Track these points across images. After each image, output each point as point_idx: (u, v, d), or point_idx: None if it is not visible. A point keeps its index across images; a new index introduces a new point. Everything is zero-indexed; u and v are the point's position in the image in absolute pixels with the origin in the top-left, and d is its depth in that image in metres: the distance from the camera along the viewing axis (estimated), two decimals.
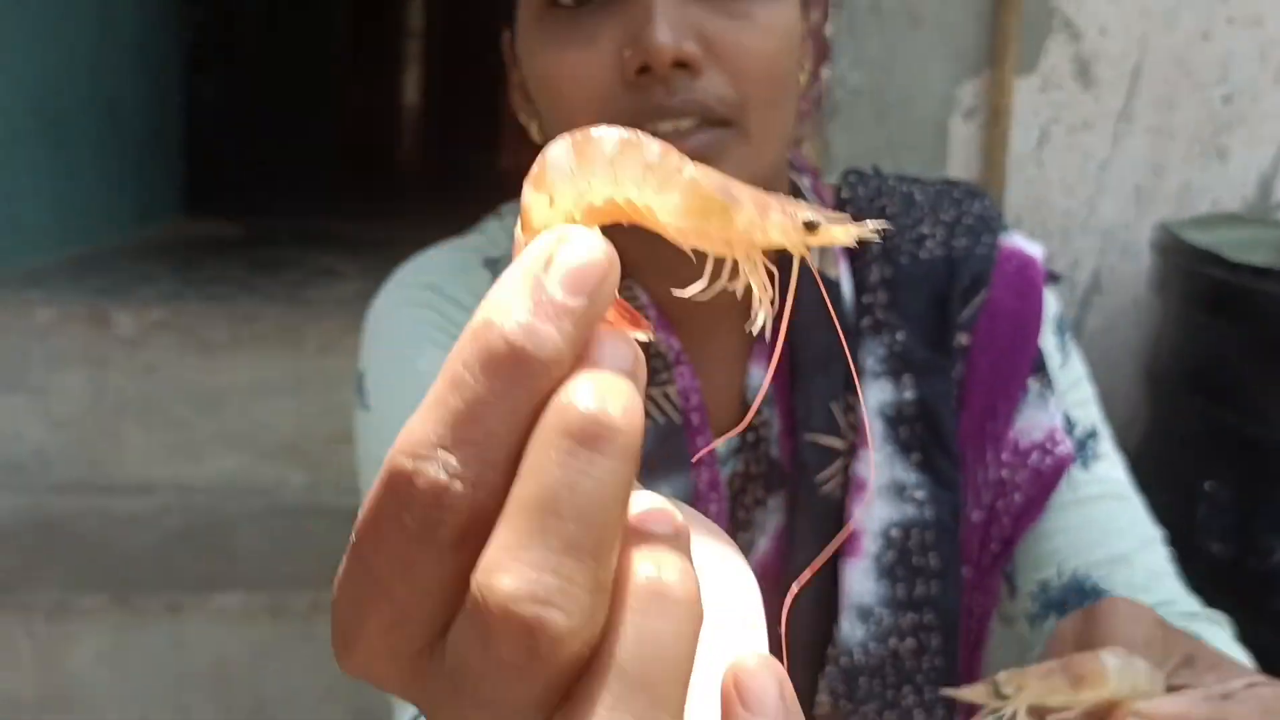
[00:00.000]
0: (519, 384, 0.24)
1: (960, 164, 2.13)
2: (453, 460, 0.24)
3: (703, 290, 0.31)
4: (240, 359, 2.05)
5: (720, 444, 0.76)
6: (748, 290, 0.75)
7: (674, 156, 0.29)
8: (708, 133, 0.64)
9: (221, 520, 1.94)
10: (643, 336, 0.28)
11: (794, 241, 0.31)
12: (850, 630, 0.74)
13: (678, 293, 0.30)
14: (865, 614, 0.74)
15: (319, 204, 4.69)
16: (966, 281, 0.77)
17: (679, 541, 0.25)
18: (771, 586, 0.76)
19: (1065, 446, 0.76)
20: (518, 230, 0.29)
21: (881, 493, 0.75)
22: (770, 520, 0.76)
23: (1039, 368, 0.77)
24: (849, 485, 0.75)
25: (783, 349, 0.75)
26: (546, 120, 0.71)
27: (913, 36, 2.10)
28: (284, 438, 2.07)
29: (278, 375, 2.07)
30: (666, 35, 0.61)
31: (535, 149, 0.71)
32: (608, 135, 0.29)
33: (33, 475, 2.00)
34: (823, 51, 2.06)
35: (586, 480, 0.23)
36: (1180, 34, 2.19)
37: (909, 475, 0.75)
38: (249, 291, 2.33)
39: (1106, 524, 0.75)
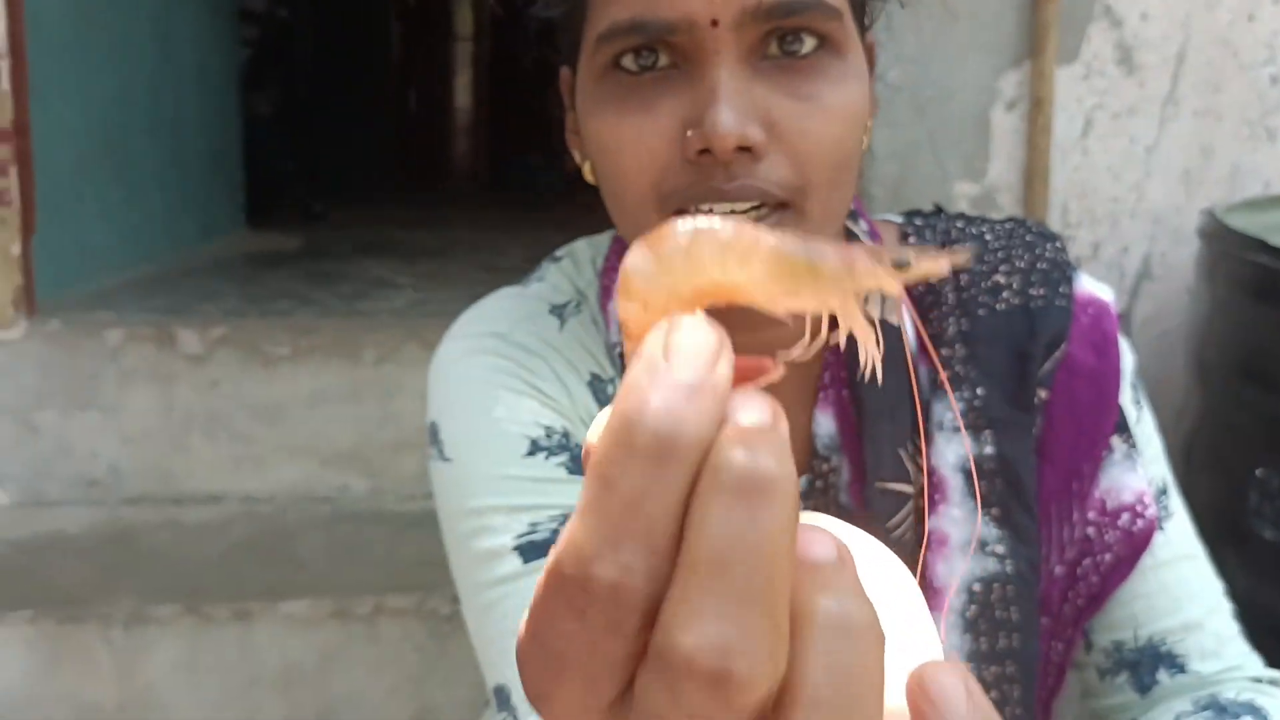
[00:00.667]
0: (670, 469, 0.25)
1: (1004, 155, 2.13)
2: (622, 558, 0.25)
3: (805, 350, 0.32)
4: (301, 371, 2.12)
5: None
6: (804, 335, 0.76)
7: (747, 231, 0.30)
8: (765, 217, 0.63)
9: (286, 528, 2.00)
10: (774, 376, 0.30)
11: (888, 283, 0.31)
12: None
13: (783, 355, 0.31)
14: None
15: (374, 211, 4.78)
16: (1046, 336, 0.76)
17: (845, 566, 0.26)
18: None
19: (1154, 510, 0.77)
20: (626, 343, 0.31)
21: (961, 548, 0.75)
22: None
23: (1122, 427, 0.77)
24: (923, 533, 0.75)
25: (849, 397, 0.75)
26: (601, 179, 0.70)
27: (950, 30, 2.10)
28: (344, 446, 2.13)
29: (337, 386, 2.13)
30: (731, 121, 0.60)
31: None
32: (679, 229, 0.30)
33: (107, 489, 2.08)
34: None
35: (752, 531, 0.24)
36: (1224, 15, 2.17)
37: (989, 530, 0.75)
38: (307, 305, 2.40)
39: (1179, 589, 0.77)
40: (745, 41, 0.62)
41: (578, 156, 0.75)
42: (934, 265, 0.32)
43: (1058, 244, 0.80)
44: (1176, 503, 0.80)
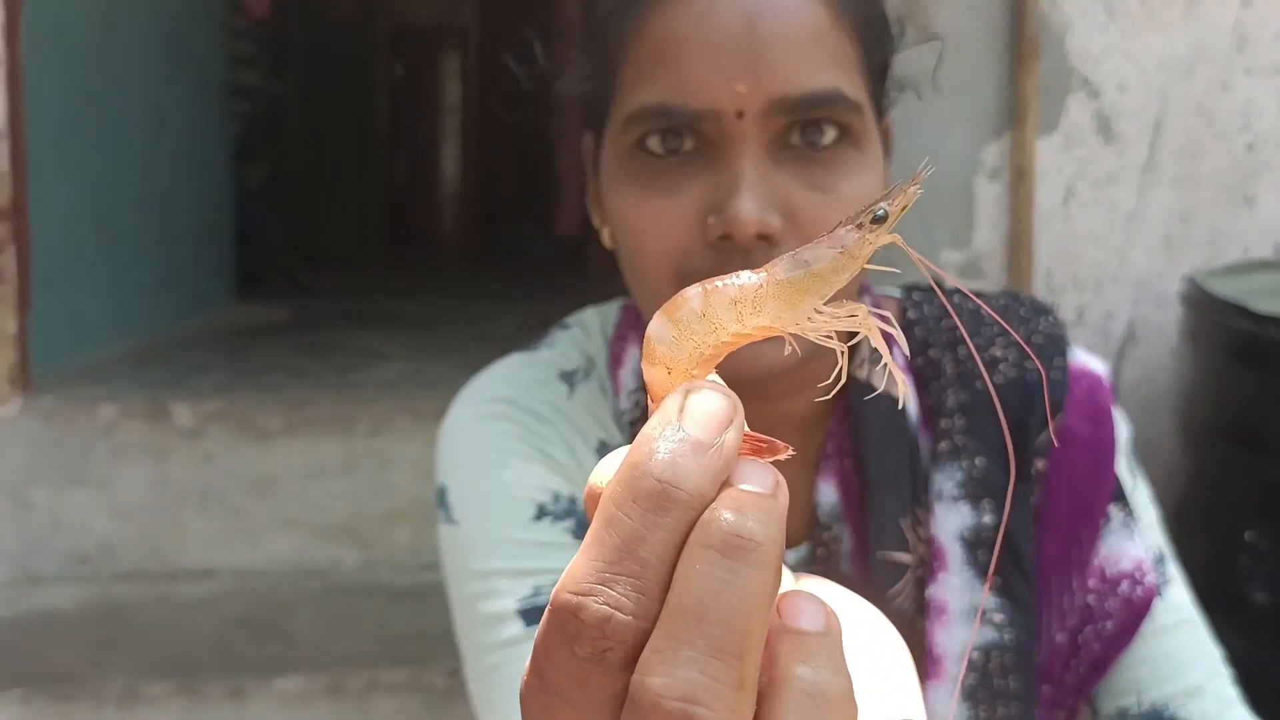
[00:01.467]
0: (667, 516, 0.27)
1: (989, 223, 2.17)
2: (613, 593, 0.27)
3: (795, 356, 0.37)
4: (294, 444, 2.12)
5: (789, 555, 0.79)
6: (813, 409, 0.76)
7: (747, 278, 0.33)
8: None
9: (280, 602, 1.99)
10: (783, 456, 0.32)
11: (883, 238, 0.34)
12: None
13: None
14: None
15: (363, 282, 4.80)
16: (1043, 407, 0.77)
17: (830, 639, 0.28)
18: None
19: (1153, 577, 0.77)
20: (651, 406, 0.33)
21: (961, 616, 0.75)
22: None
23: (1119, 495, 0.78)
24: (923, 602, 0.76)
25: (852, 467, 0.76)
26: (623, 253, 0.72)
27: (933, 102, 2.14)
28: (337, 519, 2.12)
29: (330, 458, 2.13)
30: (752, 210, 0.62)
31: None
32: (691, 294, 0.32)
33: (99, 565, 2.07)
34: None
35: (730, 589, 0.26)
36: (1199, 85, 2.22)
37: (989, 599, 0.75)
38: (299, 378, 2.41)
39: (1181, 654, 0.77)
40: (769, 132, 0.64)
41: (597, 221, 0.77)
42: (906, 197, 0.34)
43: (1051, 318, 0.82)
44: (1174, 569, 0.80)
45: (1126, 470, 0.80)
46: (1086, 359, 0.81)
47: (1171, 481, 1.91)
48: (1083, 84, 2.18)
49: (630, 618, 0.27)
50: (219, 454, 2.10)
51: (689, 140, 0.66)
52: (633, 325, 0.82)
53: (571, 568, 0.28)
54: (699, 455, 0.28)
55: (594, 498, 0.30)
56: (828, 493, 0.77)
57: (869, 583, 0.76)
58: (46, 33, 2.31)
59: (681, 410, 0.29)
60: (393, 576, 2.10)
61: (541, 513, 0.75)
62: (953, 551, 0.76)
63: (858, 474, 0.76)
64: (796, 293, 0.33)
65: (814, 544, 0.77)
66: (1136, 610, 0.77)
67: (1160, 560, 0.80)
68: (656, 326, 0.32)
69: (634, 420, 0.79)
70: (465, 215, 6.88)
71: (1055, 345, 0.80)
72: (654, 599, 0.27)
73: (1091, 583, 0.77)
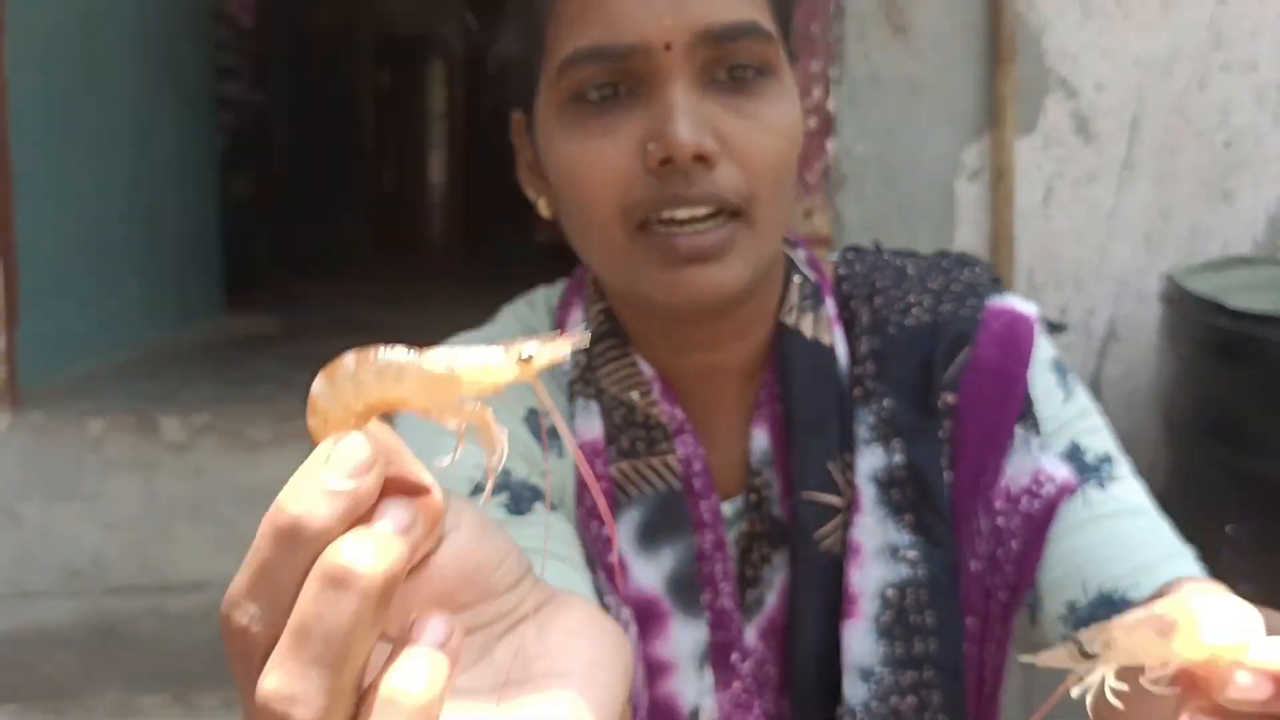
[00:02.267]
0: (297, 549, 0.32)
1: (970, 223, 2.19)
2: (251, 609, 0.33)
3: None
4: (283, 455, 2.13)
5: (726, 507, 0.81)
6: (751, 358, 0.80)
7: (400, 355, 0.36)
8: (722, 227, 0.69)
9: None
10: (432, 498, 0.36)
11: (522, 376, 0.38)
12: (853, 690, 0.77)
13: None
14: (867, 674, 0.77)
15: (352, 290, 4.81)
16: (949, 342, 0.79)
17: (434, 656, 0.33)
18: (778, 639, 0.80)
19: (1055, 482, 0.77)
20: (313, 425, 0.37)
21: (876, 555, 0.77)
22: (776, 576, 0.80)
23: (1026, 415, 0.78)
24: (847, 545, 0.78)
25: (781, 413, 0.79)
26: (566, 203, 0.75)
27: (913, 105, 2.17)
28: None
29: None
30: (688, 131, 0.66)
31: (554, 225, 0.77)
32: (346, 359, 0.36)
33: (90, 579, 2.07)
34: (827, 125, 2.13)
35: (331, 612, 0.31)
36: (1177, 83, 2.24)
37: (901, 536, 0.77)
38: (288, 389, 2.42)
39: (1128, 538, 0.74)
40: (695, 65, 0.69)
41: (532, 194, 0.80)
42: (556, 350, 0.38)
43: (977, 269, 0.84)
44: (1126, 472, 0.79)
45: (1055, 384, 0.80)
46: (1014, 301, 0.82)
47: (1154, 476, 1.93)
48: (1060, 84, 2.20)
49: (264, 628, 0.33)
50: (208, 466, 2.11)
51: (623, 85, 0.70)
52: (576, 291, 0.85)
53: (235, 580, 0.33)
54: (330, 499, 0.32)
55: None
56: (760, 439, 0.80)
57: (797, 525, 0.78)
58: (29, 49, 2.32)
59: (327, 458, 0.33)
60: None
61: (477, 489, 0.78)
62: (867, 492, 0.78)
63: (785, 419, 0.79)
64: (436, 384, 0.36)
65: (748, 490, 0.80)
66: (1036, 523, 0.77)
67: (1107, 460, 0.79)
68: (316, 384, 0.36)
69: (572, 380, 0.82)
70: (451, 221, 6.88)
71: (974, 290, 0.82)
72: (281, 615, 0.32)
73: (999, 504, 0.78)
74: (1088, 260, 2.24)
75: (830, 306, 0.81)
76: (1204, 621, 0.39)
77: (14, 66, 2.19)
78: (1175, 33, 2.23)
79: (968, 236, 2.19)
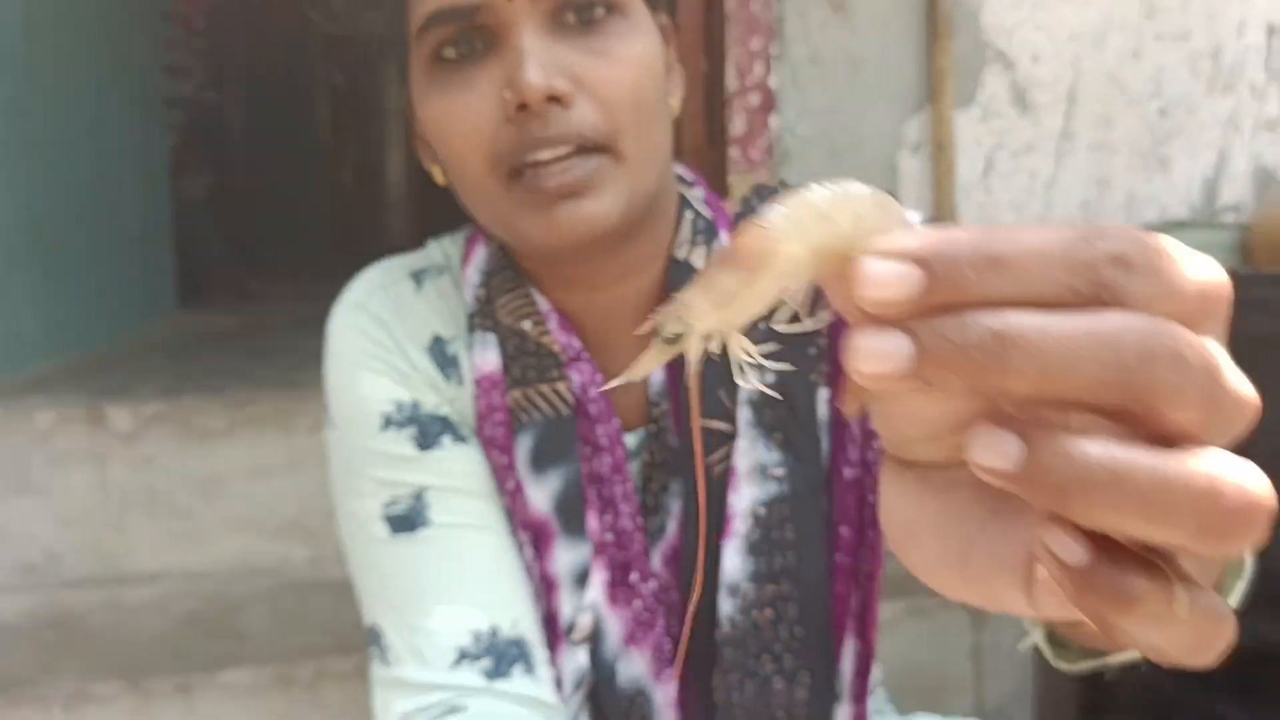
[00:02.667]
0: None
1: (913, 196, 2.22)
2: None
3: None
4: (237, 444, 2.13)
5: (630, 438, 0.83)
6: (646, 294, 0.82)
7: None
8: (586, 162, 0.71)
9: (229, 601, 2.00)
10: None
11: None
12: (723, 606, 0.79)
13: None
14: (734, 589, 0.79)
15: (310, 288, 4.79)
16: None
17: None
18: (676, 568, 0.83)
19: None
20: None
21: (749, 475, 0.79)
22: (673, 505, 0.82)
23: None
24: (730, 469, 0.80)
25: None
26: (445, 164, 0.78)
27: (854, 82, 2.19)
28: (285, 516, 2.13)
29: (274, 457, 2.14)
30: (538, 75, 0.69)
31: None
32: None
33: (44, 573, 2.07)
34: (770, 102, 2.16)
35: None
36: (1111, 54, 2.28)
37: (771, 455, 0.80)
38: (241, 379, 2.42)
39: None
40: (542, 11, 0.71)
41: (427, 164, 0.83)
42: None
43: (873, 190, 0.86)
44: None
45: None
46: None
47: None
48: (998, 57, 2.24)
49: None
50: (160, 456, 2.10)
51: (478, 41, 0.72)
52: (481, 238, 0.88)
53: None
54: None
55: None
56: (656, 371, 0.82)
57: (690, 453, 0.80)
58: None
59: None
60: (341, 571, 2.11)
61: (387, 423, 0.81)
62: (743, 415, 0.80)
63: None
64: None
65: (649, 422, 0.83)
66: None
67: None
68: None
69: (471, 314, 0.85)
70: (410, 220, 6.87)
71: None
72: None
73: None
74: None
75: (724, 240, 0.83)
76: (783, 228, 0.32)
77: None
78: (1108, 5, 2.27)
79: (911, 209, 2.22)
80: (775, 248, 0.32)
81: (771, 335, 0.80)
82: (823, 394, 0.81)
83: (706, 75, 2.21)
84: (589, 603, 0.81)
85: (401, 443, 0.81)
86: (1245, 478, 0.27)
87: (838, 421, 0.81)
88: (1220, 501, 0.27)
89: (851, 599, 0.82)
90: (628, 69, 0.72)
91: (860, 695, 0.84)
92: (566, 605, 0.81)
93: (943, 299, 0.29)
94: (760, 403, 0.80)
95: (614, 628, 0.81)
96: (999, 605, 0.34)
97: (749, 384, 0.37)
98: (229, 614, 1.96)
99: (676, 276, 0.81)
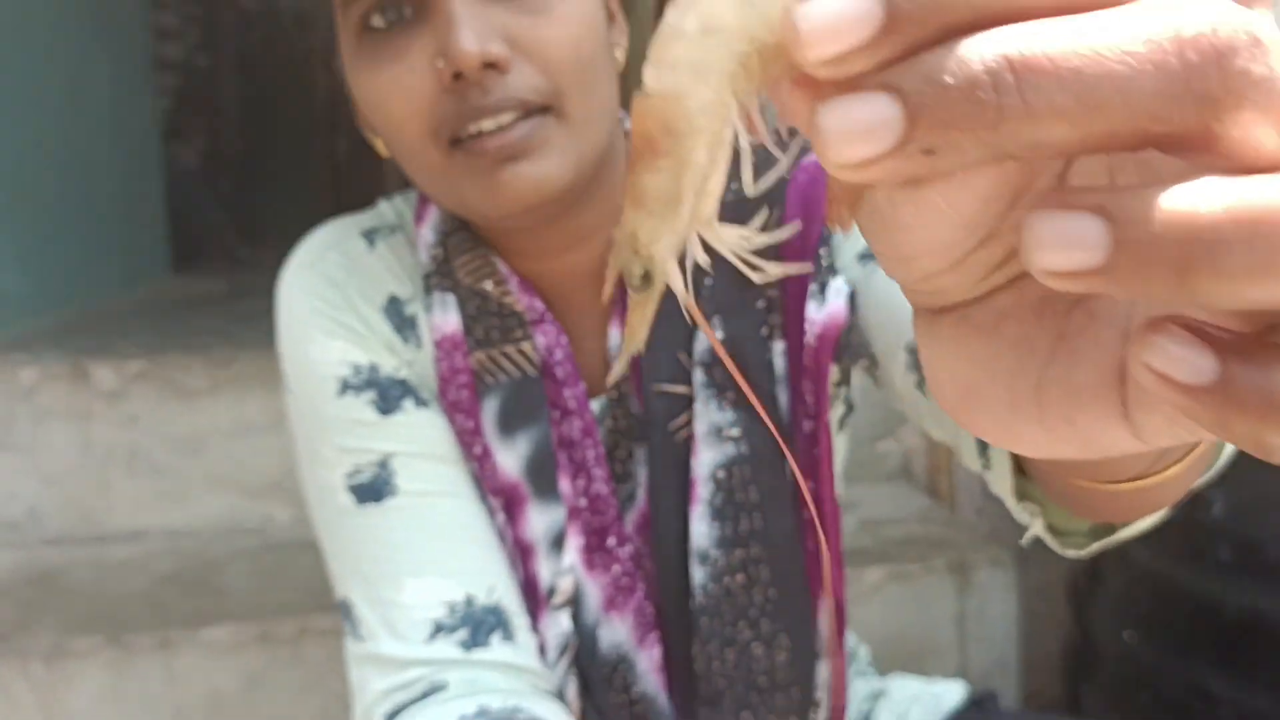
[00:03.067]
0: None
1: None
2: None
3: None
4: (220, 403, 2.12)
5: (594, 404, 0.82)
6: (602, 259, 0.80)
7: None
8: (528, 122, 0.69)
9: (211, 560, 2.00)
10: None
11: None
12: (695, 574, 0.78)
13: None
14: (703, 557, 0.78)
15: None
16: (763, 209, 0.78)
17: None
18: (647, 538, 0.81)
19: (835, 304, 0.76)
20: None
21: (706, 438, 0.77)
22: (640, 472, 0.81)
23: (817, 272, 0.77)
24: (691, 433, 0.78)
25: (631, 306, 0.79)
26: (383, 135, 0.75)
27: None
28: (268, 476, 2.13)
29: (257, 416, 2.13)
30: (471, 42, 0.65)
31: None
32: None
33: (26, 531, 2.06)
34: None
35: None
36: None
37: (725, 415, 0.77)
38: (226, 339, 2.40)
39: None
40: None
41: (369, 135, 0.81)
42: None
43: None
44: None
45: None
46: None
47: None
48: None
49: None
50: (143, 415, 2.09)
51: (406, 8, 0.69)
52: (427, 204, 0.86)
53: None
54: None
55: None
56: (615, 336, 0.81)
57: (650, 419, 0.78)
58: None
59: None
60: None
61: (345, 387, 0.79)
62: (697, 377, 0.78)
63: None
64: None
65: (611, 387, 0.81)
66: (822, 346, 0.76)
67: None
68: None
69: (427, 274, 0.82)
70: (405, 186, 6.85)
71: (790, 167, 0.81)
72: None
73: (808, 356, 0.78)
74: None
75: None
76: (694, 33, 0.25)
77: None
78: None
79: None
80: (679, 106, 0.25)
81: (722, 291, 0.79)
82: (777, 347, 0.78)
83: (657, 9, 2.19)
84: (567, 566, 0.79)
85: (361, 408, 0.78)
86: None
87: (794, 374, 0.79)
88: None
89: (821, 555, 0.81)
90: (566, 26, 0.69)
91: (838, 650, 0.84)
92: (544, 570, 0.79)
93: (918, 33, 0.21)
94: (711, 362, 0.78)
95: (593, 593, 0.80)
96: (1101, 448, 0.26)
97: (757, 278, 0.30)
98: (211, 572, 1.96)
99: None
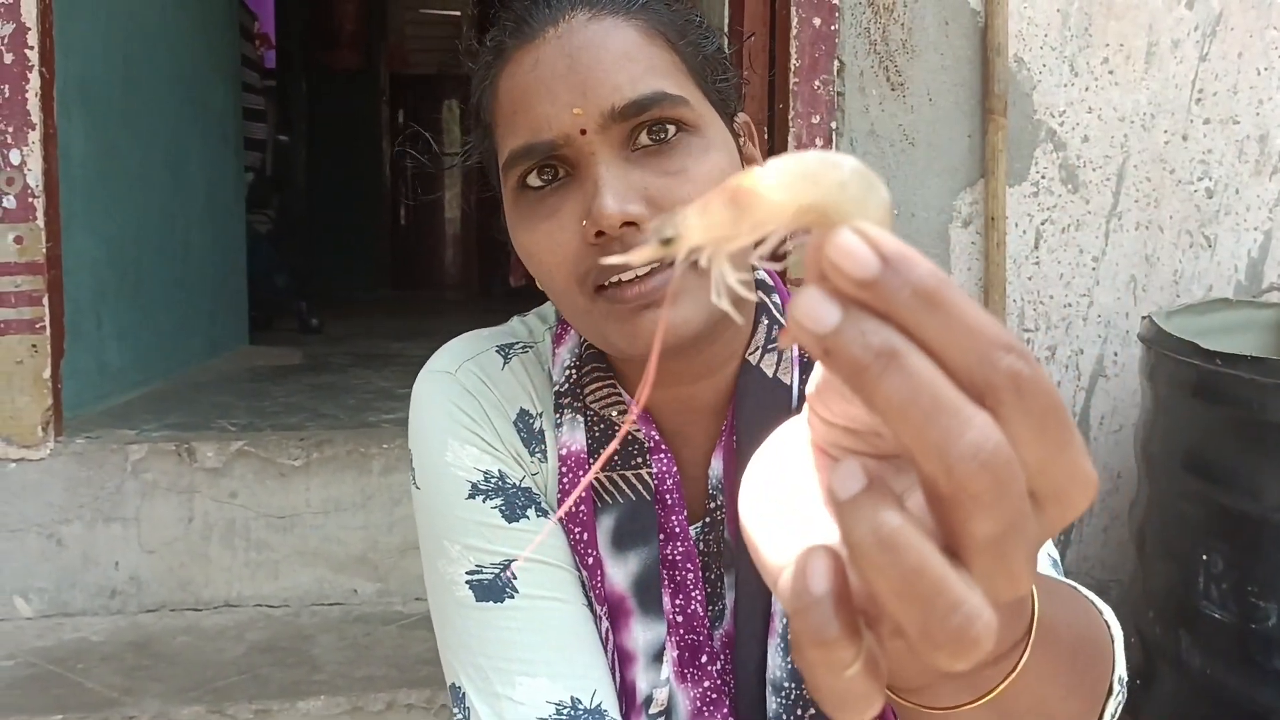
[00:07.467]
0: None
1: (963, 267, 2.31)
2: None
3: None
4: (313, 481, 2.24)
5: (692, 530, 0.88)
6: (719, 394, 0.86)
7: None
8: (664, 272, 0.75)
9: (301, 630, 2.11)
10: None
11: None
12: (770, 703, 0.83)
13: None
14: (778, 687, 0.83)
15: (368, 324, 4.93)
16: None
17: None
18: (730, 658, 0.87)
19: None
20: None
21: None
22: (728, 596, 0.87)
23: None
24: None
25: (737, 444, 0.85)
26: (536, 277, 0.83)
27: (910, 155, 2.29)
28: (354, 551, 2.25)
29: (347, 495, 2.25)
30: (613, 205, 0.72)
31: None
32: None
33: (128, 598, 2.19)
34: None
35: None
36: (1159, 136, 2.37)
37: None
38: (317, 418, 2.54)
39: None
40: (614, 140, 0.76)
41: (525, 273, 0.88)
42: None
43: None
44: None
45: None
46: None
47: (1135, 507, 2.04)
48: (1049, 135, 2.33)
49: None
50: (242, 491, 2.22)
51: (560, 169, 0.78)
52: (567, 328, 0.93)
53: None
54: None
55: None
56: (716, 467, 0.87)
57: (740, 548, 0.84)
58: (75, 96, 2.45)
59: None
60: (405, 605, 2.22)
61: (475, 491, 0.85)
62: None
63: (736, 449, 0.85)
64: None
65: (707, 515, 0.87)
66: None
67: None
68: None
69: (561, 392, 0.89)
70: (466, 255, 7.00)
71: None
72: None
73: None
74: (1076, 303, 2.36)
75: (796, 348, 0.86)
76: (775, 182, 0.35)
77: (62, 113, 2.33)
78: (1158, 89, 2.36)
79: (961, 280, 2.31)
80: (764, 194, 0.35)
81: None
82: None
83: (766, 151, 2.32)
84: (665, 678, 0.85)
85: (488, 512, 0.85)
86: (976, 618, 0.30)
87: None
88: (948, 623, 0.30)
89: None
90: (701, 185, 0.75)
91: None
92: (643, 679, 0.85)
93: (875, 301, 0.31)
94: None
95: (683, 705, 0.86)
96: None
97: (721, 304, 0.39)
98: (301, 642, 2.07)
99: (747, 379, 0.85)
